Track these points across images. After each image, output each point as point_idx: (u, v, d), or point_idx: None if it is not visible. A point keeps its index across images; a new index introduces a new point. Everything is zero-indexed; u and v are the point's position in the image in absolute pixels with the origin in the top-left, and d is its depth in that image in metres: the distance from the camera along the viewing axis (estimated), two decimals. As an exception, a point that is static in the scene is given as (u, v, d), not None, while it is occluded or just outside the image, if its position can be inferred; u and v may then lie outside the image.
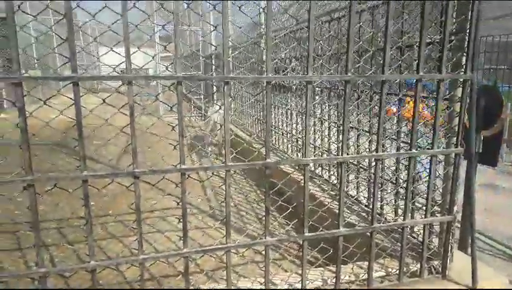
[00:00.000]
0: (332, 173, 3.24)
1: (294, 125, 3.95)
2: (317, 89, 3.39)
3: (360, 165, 2.78)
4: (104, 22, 1.46)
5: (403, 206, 2.14)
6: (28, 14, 1.29)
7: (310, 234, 1.62)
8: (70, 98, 1.28)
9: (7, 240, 2.84)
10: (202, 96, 9.80)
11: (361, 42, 2.18)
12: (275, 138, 4.49)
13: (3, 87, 8.30)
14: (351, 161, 2.74)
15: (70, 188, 1.48)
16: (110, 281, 2.29)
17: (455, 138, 1.80)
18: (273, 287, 1.72)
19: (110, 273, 2.36)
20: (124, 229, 3.06)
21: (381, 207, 2.43)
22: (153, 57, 1.59)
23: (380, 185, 1.88)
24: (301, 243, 1.63)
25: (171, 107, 1.55)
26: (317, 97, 3.30)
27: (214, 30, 1.45)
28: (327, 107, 3.25)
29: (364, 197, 2.73)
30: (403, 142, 2.23)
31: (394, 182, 2.33)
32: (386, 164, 2.38)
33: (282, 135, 4.32)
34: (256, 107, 5.42)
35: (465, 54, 1.77)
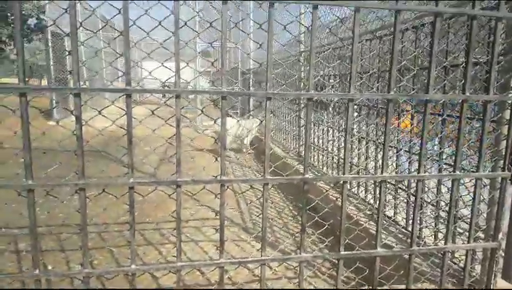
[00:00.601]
0: (369, 192, 3.18)
1: (331, 142, 3.93)
2: (355, 106, 3.38)
3: (399, 185, 2.72)
4: (156, 39, 1.55)
5: (443, 230, 2.07)
6: (89, 30, 1.40)
7: (345, 252, 1.60)
8: (123, 109, 1.37)
9: (51, 241, 2.99)
10: (239, 111, 9.96)
11: (404, 62, 2.16)
12: (312, 155, 4.48)
13: (54, 99, 8.84)
14: (389, 180, 2.69)
15: (116, 194, 1.56)
16: (146, 286, 2.35)
17: (502, 161, 1.73)
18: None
19: (146, 279, 2.43)
20: (160, 238, 3.14)
21: (420, 230, 2.36)
22: (200, 73, 1.67)
23: (420, 206, 1.84)
24: (336, 261, 1.61)
25: (215, 121, 1.60)
26: (355, 114, 3.28)
27: (259, 48, 1.50)
28: (365, 125, 3.22)
29: (403, 218, 2.66)
30: (445, 163, 2.17)
31: (435, 204, 2.26)
32: (426, 185, 2.31)
33: (319, 152, 4.31)
34: (294, 124, 5.44)
35: (514, 75, 1.71)
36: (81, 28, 1.43)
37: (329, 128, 4.00)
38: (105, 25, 1.38)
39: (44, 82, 11.18)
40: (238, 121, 6.33)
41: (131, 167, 1.37)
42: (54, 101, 8.48)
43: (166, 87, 1.42)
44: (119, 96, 1.39)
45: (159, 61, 1.62)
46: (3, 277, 1.50)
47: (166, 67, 1.60)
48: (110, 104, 1.41)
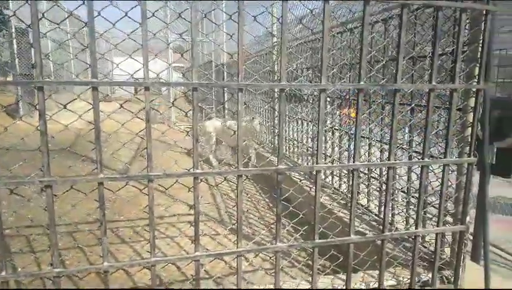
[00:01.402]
0: (342, 181, 3.23)
1: (305, 134, 3.97)
2: (329, 99, 3.41)
3: (371, 174, 2.77)
4: (123, 31, 1.50)
5: (414, 216, 2.14)
6: (51, 21, 1.34)
7: (320, 240, 1.62)
8: (89, 103, 1.32)
9: (20, 243, 2.89)
10: (214, 106, 9.88)
11: (374, 52, 2.19)
12: (286, 147, 4.50)
13: (20, 94, 8.49)
14: (362, 169, 2.74)
15: (86, 191, 1.51)
16: (121, 285, 2.31)
17: (468, 148, 1.79)
18: (283, 294, 1.72)
19: (120, 277, 2.38)
20: (134, 234, 3.09)
21: (392, 216, 2.42)
22: (170, 65, 1.63)
23: (391, 193, 1.88)
24: (311, 250, 1.63)
25: (186, 113, 1.58)
26: (329, 106, 3.32)
27: (229, 39, 1.48)
28: (338, 117, 3.26)
29: (375, 205, 2.73)
30: (414, 151, 2.23)
31: (406, 191, 2.32)
32: (397, 173, 2.37)
33: (293, 144, 4.34)
34: (268, 116, 5.45)
35: (478, 64, 1.77)
36: (44, 20, 1.37)
37: (303, 121, 4.03)
38: (68, 16, 1.33)
39: (10, 79, 10.70)
40: (224, 122, 5.66)
41: (99, 162, 1.33)
42: (20, 97, 8.16)
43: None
44: (86, 90, 1.34)
45: (129, 56, 1.57)
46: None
47: (135, 60, 1.56)
48: (76, 98, 1.36)
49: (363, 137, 2.72)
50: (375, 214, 2.68)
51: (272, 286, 1.72)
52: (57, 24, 1.37)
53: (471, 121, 1.80)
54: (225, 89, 8.30)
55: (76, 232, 3.07)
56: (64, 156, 4.76)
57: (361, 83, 1.55)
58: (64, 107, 1.36)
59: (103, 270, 1.40)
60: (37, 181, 1.30)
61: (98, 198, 1.36)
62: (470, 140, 1.79)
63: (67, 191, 1.45)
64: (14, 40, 8.48)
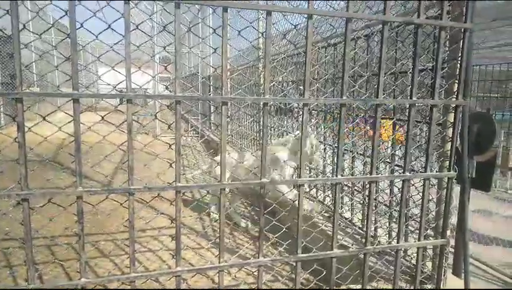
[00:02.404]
0: (326, 194, 3.24)
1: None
2: (313, 112, 3.44)
3: (355, 187, 2.80)
4: (106, 42, 1.49)
5: (396, 229, 2.15)
6: (33, 32, 1.33)
7: (303, 255, 1.62)
8: (70, 115, 1.30)
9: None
10: (200, 117, 9.86)
11: (356, 67, 2.23)
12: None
13: (1, 104, 8.33)
14: (345, 183, 2.76)
15: (65, 204, 1.48)
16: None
17: (448, 162, 1.83)
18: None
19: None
20: (115, 248, 3.02)
21: (375, 230, 2.44)
22: (153, 77, 1.63)
23: (374, 207, 1.90)
24: (294, 264, 1.62)
25: (169, 126, 1.57)
26: (313, 120, 3.35)
27: (213, 52, 1.49)
28: (322, 130, 3.29)
29: (358, 219, 2.74)
30: (396, 165, 2.26)
31: (388, 205, 2.34)
32: (380, 187, 2.39)
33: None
34: (253, 129, 5.47)
35: (457, 80, 1.82)
36: (25, 30, 1.35)
37: (287, 134, 4.05)
38: (50, 27, 1.31)
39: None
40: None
41: (79, 174, 1.31)
42: (1, 109, 7.99)
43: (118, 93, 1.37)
44: (67, 102, 1.32)
45: (113, 68, 1.56)
46: None
47: (118, 72, 1.55)
48: (56, 109, 1.34)
49: (346, 150, 2.74)
50: (359, 227, 2.69)
51: (254, 301, 1.70)
52: (39, 35, 1.36)
53: (450, 135, 1.83)
54: (210, 102, 8.31)
55: (54, 247, 2.99)
56: (44, 168, 4.66)
57: (344, 97, 1.57)
58: (44, 118, 1.33)
59: (80, 286, 1.37)
60: (13, 194, 1.27)
61: (76, 213, 1.33)
62: (449, 154, 1.83)
63: (45, 204, 1.42)
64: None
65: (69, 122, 1.32)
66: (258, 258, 1.58)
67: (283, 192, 2.63)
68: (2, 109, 8.07)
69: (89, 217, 3.46)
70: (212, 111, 8.27)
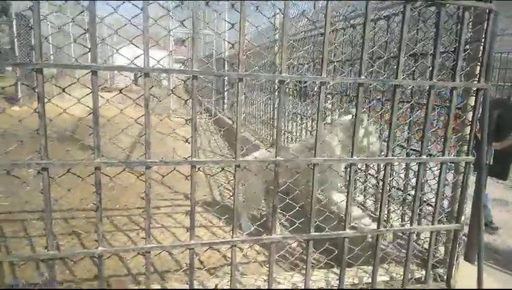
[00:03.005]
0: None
1: (304, 130, 3.96)
2: (328, 95, 3.40)
3: (368, 171, 2.78)
4: (124, 16, 1.49)
5: (409, 214, 2.14)
6: (51, 3, 1.33)
7: (315, 233, 1.63)
8: (88, 87, 1.31)
9: (15, 227, 2.89)
10: (214, 96, 9.86)
11: (375, 47, 2.19)
12: (284, 140, 4.50)
13: (20, 78, 8.46)
14: (359, 166, 2.75)
15: (83, 176, 1.51)
16: (115, 271, 2.32)
17: (466, 147, 1.80)
18: (276, 285, 1.72)
19: (115, 264, 2.39)
20: (129, 223, 3.09)
21: (388, 213, 2.43)
22: (170, 53, 1.62)
23: (388, 190, 1.88)
24: (306, 243, 1.64)
25: (185, 101, 1.57)
26: (329, 101, 3.31)
27: (231, 28, 1.47)
28: (338, 112, 3.26)
29: (372, 201, 2.73)
30: (412, 149, 2.23)
31: (402, 189, 2.32)
32: (394, 171, 2.37)
33: (292, 139, 4.33)
34: (267, 112, 5.44)
35: (479, 63, 1.77)
36: (44, 5, 1.35)
37: (302, 116, 4.03)
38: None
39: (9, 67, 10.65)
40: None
41: (97, 147, 1.33)
42: (18, 79, 8.11)
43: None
44: (85, 74, 1.33)
45: (130, 41, 1.56)
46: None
47: (136, 46, 1.55)
48: (75, 82, 1.35)
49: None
50: (371, 211, 2.68)
51: (265, 277, 1.73)
52: (57, 7, 1.36)
53: (470, 119, 1.80)
54: (225, 79, 8.28)
55: (72, 219, 3.07)
56: (62, 142, 4.75)
57: (362, 77, 1.54)
58: (63, 90, 1.35)
59: (97, 255, 1.40)
60: (34, 163, 1.30)
61: (94, 184, 1.36)
62: (468, 139, 1.79)
63: (64, 174, 1.45)
64: (14, 24, 8.42)
65: (87, 94, 1.33)
66: (271, 235, 1.59)
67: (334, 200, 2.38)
68: (19, 85, 8.20)
69: (104, 192, 3.52)
70: (226, 89, 8.25)
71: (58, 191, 1.51)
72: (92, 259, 2.38)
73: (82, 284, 2.16)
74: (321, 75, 1.51)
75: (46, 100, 1.27)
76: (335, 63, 2.62)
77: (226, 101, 8.66)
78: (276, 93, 4.86)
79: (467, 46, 1.82)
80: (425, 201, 2.09)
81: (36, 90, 1.26)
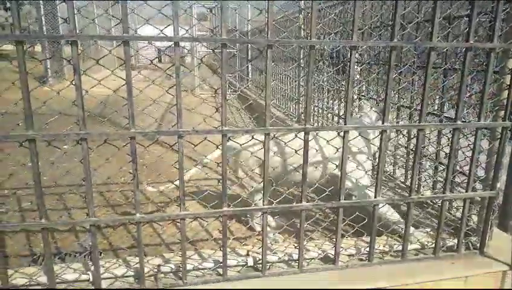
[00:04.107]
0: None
1: (331, 100, 3.91)
2: (358, 68, 3.32)
3: (399, 142, 2.73)
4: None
5: (441, 183, 2.11)
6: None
7: (346, 201, 1.63)
8: (121, 59, 1.34)
9: (53, 200, 3.03)
10: (237, 71, 9.82)
11: (408, 8, 2.11)
12: (312, 120, 4.47)
13: (48, 59, 8.69)
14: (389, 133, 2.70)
15: (119, 152, 1.55)
16: (151, 239, 2.41)
17: (503, 112, 1.73)
18: (306, 252, 1.76)
19: (150, 233, 2.49)
20: (161, 195, 3.18)
21: (418, 184, 2.40)
22: (194, 25, 1.62)
23: (420, 158, 1.85)
24: (335, 213, 1.65)
25: (214, 71, 1.58)
26: (357, 71, 3.24)
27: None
28: (364, 84, 3.19)
29: (401, 172, 2.70)
30: (445, 117, 2.17)
31: (433, 159, 2.28)
32: (427, 138, 2.32)
33: (318, 112, 4.29)
34: (292, 83, 5.38)
35: (519, 23, 1.68)
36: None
37: (329, 90, 3.96)
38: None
39: (38, 48, 10.94)
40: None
41: (131, 116, 1.36)
42: (47, 55, 8.33)
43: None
44: (117, 46, 1.36)
45: (159, 11, 1.56)
46: (10, 225, 1.53)
47: (165, 15, 1.55)
48: (107, 54, 1.38)
49: (391, 103, 2.65)
50: (401, 181, 2.66)
51: (296, 244, 1.76)
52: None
53: (508, 83, 1.72)
54: (249, 51, 8.19)
55: (108, 192, 3.20)
56: (94, 119, 4.89)
57: (395, 40, 1.50)
58: (97, 62, 1.38)
59: (136, 221, 1.46)
60: (73, 134, 1.35)
61: (130, 153, 1.40)
62: (506, 103, 1.72)
63: (100, 145, 1.50)
64: (42, 5, 8.59)
65: (120, 66, 1.36)
66: (301, 202, 1.61)
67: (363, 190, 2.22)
68: (49, 64, 8.42)
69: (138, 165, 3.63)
70: (252, 58, 8.18)
71: (94, 164, 1.57)
72: (128, 229, 2.49)
73: (120, 253, 2.26)
74: (352, 38, 1.47)
75: (82, 72, 1.30)
76: (366, 26, 2.54)
77: (249, 76, 8.62)
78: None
79: (506, 6, 1.72)
80: (458, 170, 2.05)
81: (72, 62, 1.30)
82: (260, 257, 1.62)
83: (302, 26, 4.59)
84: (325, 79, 3.92)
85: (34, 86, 1.31)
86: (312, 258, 1.76)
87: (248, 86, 8.61)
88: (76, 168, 1.36)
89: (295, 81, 5.08)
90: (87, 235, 2.36)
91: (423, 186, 2.40)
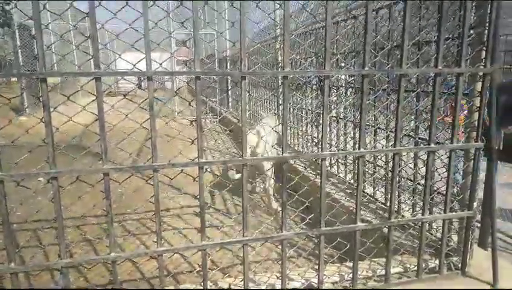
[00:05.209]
0: (348, 171, 3.22)
1: (309, 124, 3.95)
2: (333, 88, 3.38)
3: (377, 162, 2.76)
4: (124, 21, 1.48)
5: (420, 203, 2.12)
6: (53, 12, 1.34)
7: (326, 228, 1.62)
8: (93, 94, 1.32)
9: (27, 236, 2.91)
10: (217, 97, 9.87)
11: (378, 37, 2.17)
12: (290, 137, 4.49)
13: (25, 89, 8.56)
14: (367, 158, 2.73)
15: (91, 183, 1.51)
16: (129, 275, 2.33)
17: (475, 133, 1.77)
18: (289, 282, 1.72)
19: (128, 269, 2.40)
20: (140, 227, 3.10)
21: (398, 205, 2.41)
22: (172, 54, 1.62)
23: (397, 180, 1.87)
24: (318, 239, 1.63)
25: (189, 103, 1.57)
26: (333, 94, 3.29)
27: (232, 27, 1.47)
28: (342, 106, 3.24)
29: (381, 192, 2.71)
30: (420, 138, 2.21)
31: (411, 179, 2.30)
32: (403, 160, 2.35)
33: (297, 134, 4.32)
34: (269, 108, 5.43)
35: (484, 47, 1.74)
36: (46, 15, 1.36)
37: (307, 111, 4.01)
38: (69, 7, 1.32)
39: (14, 78, 10.78)
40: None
41: (104, 152, 1.33)
42: (23, 90, 8.20)
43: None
44: (89, 81, 1.34)
45: (132, 45, 1.56)
46: (-24, 272, 1.45)
47: (137, 49, 1.55)
48: (79, 89, 1.36)
49: (368, 125, 2.70)
50: (381, 203, 2.67)
51: (278, 275, 1.73)
52: (58, 15, 1.37)
53: (478, 105, 1.77)
54: (228, 78, 8.27)
55: (83, 226, 3.10)
56: (69, 150, 4.78)
57: (366, 68, 1.53)
58: (68, 98, 1.36)
59: (111, 260, 1.41)
60: (42, 173, 1.30)
61: (103, 190, 1.36)
62: (477, 124, 1.77)
63: (72, 183, 1.46)
64: (17, 35, 8.50)
65: (92, 101, 1.34)
66: (282, 232, 1.59)
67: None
68: (25, 95, 8.28)
69: (114, 199, 3.55)
70: (229, 88, 8.25)
71: (67, 200, 1.52)
72: (106, 265, 2.39)
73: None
74: (324, 68, 1.50)
75: (51, 109, 1.27)
76: (338, 56, 2.60)
77: (230, 100, 8.66)
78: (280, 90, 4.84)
79: (472, 31, 1.79)
80: (435, 190, 2.07)
81: (41, 99, 1.27)
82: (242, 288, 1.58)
83: (279, 51, 4.68)
84: (309, 102, 3.97)
85: (11, 116, 1.27)
86: (295, 289, 1.72)
87: (229, 111, 8.64)
88: (50, 204, 1.31)
89: (274, 108, 5.12)
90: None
91: (402, 209, 2.42)
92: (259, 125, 3.86)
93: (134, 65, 1.45)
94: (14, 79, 11.39)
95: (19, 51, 8.54)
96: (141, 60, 1.40)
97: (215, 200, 3.73)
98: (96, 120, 1.33)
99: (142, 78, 1.43)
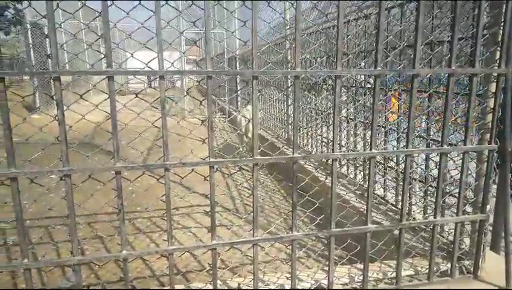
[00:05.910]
0: (358, 171, 3.20)
1: (319, 125, 3.93)
2: (343, 89, 3.36)
3: (388, 164, 2.74)
4: (137, 20, 1.50)
5: (432, 205, 2.10)
6: (65, 11, 1.35)
7: (337, 229, 1.61)
8: (105, 92, 1.33)
9: (40, 234, 2.95)
10: (227, 97, 9.88)
11: (390, 37, 2.15)
12: (300, 137, 4.48)
13: (38, 87, 8.67)
14: (378, 159, 2.71)
15: (103, 181, 1.53)
16: (140, 273, 2.35)
17: (488, 134, 1.74)
18: (299, 283, 1.72)
19: (138, 266, 2.42)
20: (151, 225, 3.13)
21: (410, 207, 2.39)
22: (183, 53, 1.63)
23: (409, 182, 1.85)
24: (327, 240, 1.62)
25: (201, 102, 1.57)
26: (343, 94, 3.27)
27: (243, 26, 1.47)
28: (352, 107, 3.22)
29: (391, 193, 2.69)
30: (432, 139, 2.19)
31: (423, 180, 2.28)
32: (415, 162, 2.33)
33: (307, 134, 4.31)
34: (280, 108, 5.42)
35: (499, 48, 1.71)
36: (58, 14, 1.37)
37: (317, 112, 3.99)
38: (82, 7, 1.33)
39: (27, 76, 10.94)
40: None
41: (116, 151, 1.34)
42: (35, 89, 8.30)
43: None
44: (101, 80, 1.35)
45: (144, 45, 1.57)
46: (-10, 268, 1.47)
47: (149, 48, 1.56)
48: (91, 88, 1.37)
49: (379, 126, 2.67)
50: (392, 204, 2.64)
51: (288, 275, 1.72)
52: (71, 14, 1.38)
53: (492, 106, 1.74)
54: (238, 78, 8.28)
55: (95, 223, 3.13)
56: (82, 149, 4.84)
57: (378, 68, 1.52)
58: (81, 97, 1.37)
59: (122, 258, 1.42)
60: (56, 171, 1.32)
61: (115, 188, 1.38)
62: (490, 126, 1.74)
63: (85, 181, 1.47)
64: (29, 34, 8.61)
65: (104, 100, 1.35)
66: (292, 232, 1.58)
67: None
68: (37, 93, 8.39)
69: (125, 197, 3.58)
70: (240, 88, 8.25)
71: (80, 197, 1.54)
72: (117, 262, 2.42)
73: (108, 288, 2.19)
74: (336, 68, 1.49)
75: (64, 108, 1.29)
76: (350, 55, 2.58)
77: (239, 99, 8.67)
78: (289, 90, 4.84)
79: (486, 31, 1.76)
80: (448, 192, 2.05)
81: (55, 98, 1.28)
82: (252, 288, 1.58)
83: (289, 51, 4.67)
84: (319, 102, 3.95)
85: (24, 114, 1.29)
86: (305, 289, 1.71)
87: (238, 111, 8.65)
88: (63, 201, 1.33)
89: (284, 108, 5.11)
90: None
91: (413, 211, 2.39)
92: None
93: (146, 64, 1.46)
94: (25, 77, 11.55)
95: (31, 49, 8.66)
96: (153, 59, 1.40)
97: (225, 199, 3.73)
98: (108, 119, 1.34)
99: (153, 78, 1.44)
